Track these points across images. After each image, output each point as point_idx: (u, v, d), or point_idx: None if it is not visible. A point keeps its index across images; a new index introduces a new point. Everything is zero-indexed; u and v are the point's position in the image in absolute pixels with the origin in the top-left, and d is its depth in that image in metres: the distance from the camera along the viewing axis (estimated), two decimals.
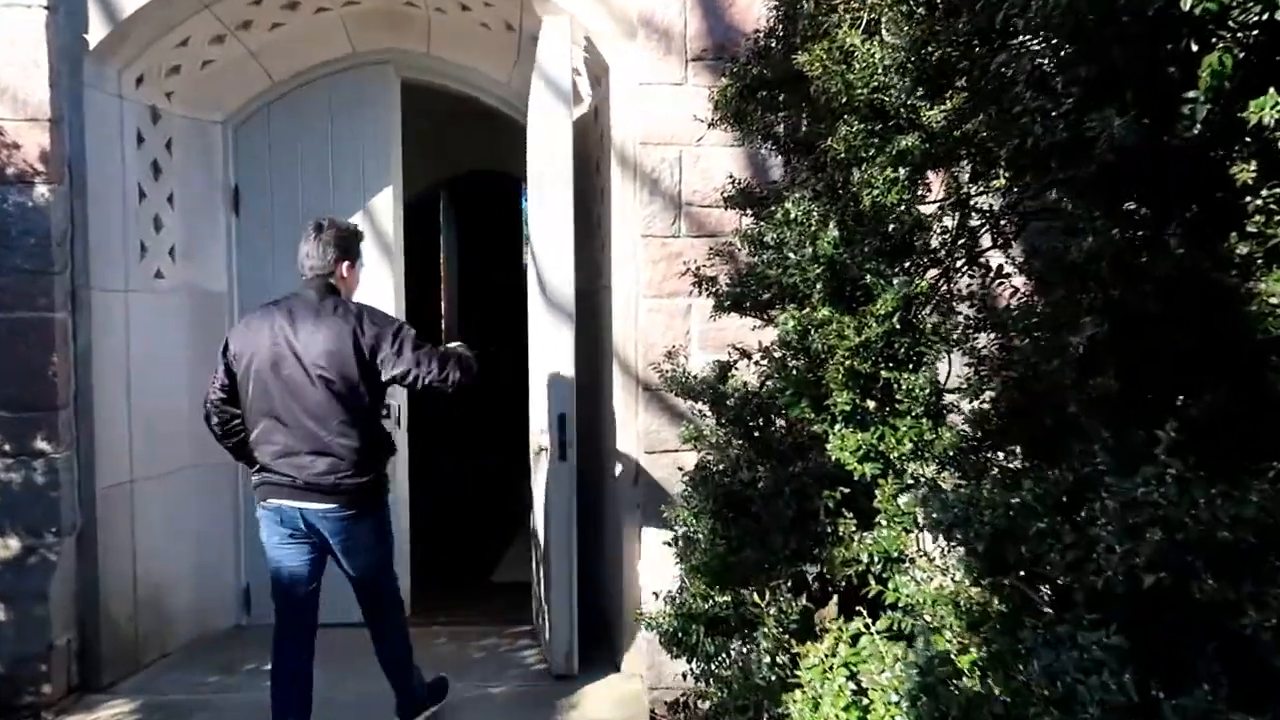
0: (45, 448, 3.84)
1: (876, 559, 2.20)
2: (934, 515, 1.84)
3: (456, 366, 3.16)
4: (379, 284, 4.57)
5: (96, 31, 3.93)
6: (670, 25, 3.85)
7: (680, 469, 3.19)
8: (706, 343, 3.85)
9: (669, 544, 2.84)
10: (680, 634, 2.52)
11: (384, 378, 3.16)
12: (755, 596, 2.43)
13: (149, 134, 4.34)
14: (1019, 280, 2.40)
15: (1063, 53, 1.79)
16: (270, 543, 3.27)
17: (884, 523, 2.20)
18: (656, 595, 2.69)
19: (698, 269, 2.84)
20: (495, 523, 6.82)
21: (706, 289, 2.77)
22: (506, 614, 4.87)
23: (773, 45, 2.80)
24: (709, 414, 2.86)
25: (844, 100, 2.27)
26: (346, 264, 3.28)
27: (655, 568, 3.71)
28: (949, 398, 2.37)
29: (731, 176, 3.06)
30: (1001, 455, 2.29)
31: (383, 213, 4.68)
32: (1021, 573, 1.81)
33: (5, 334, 3.81)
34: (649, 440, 3.89)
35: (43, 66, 3.81)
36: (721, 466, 2.58)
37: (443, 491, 6.79)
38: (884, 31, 2.26)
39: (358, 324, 3.13)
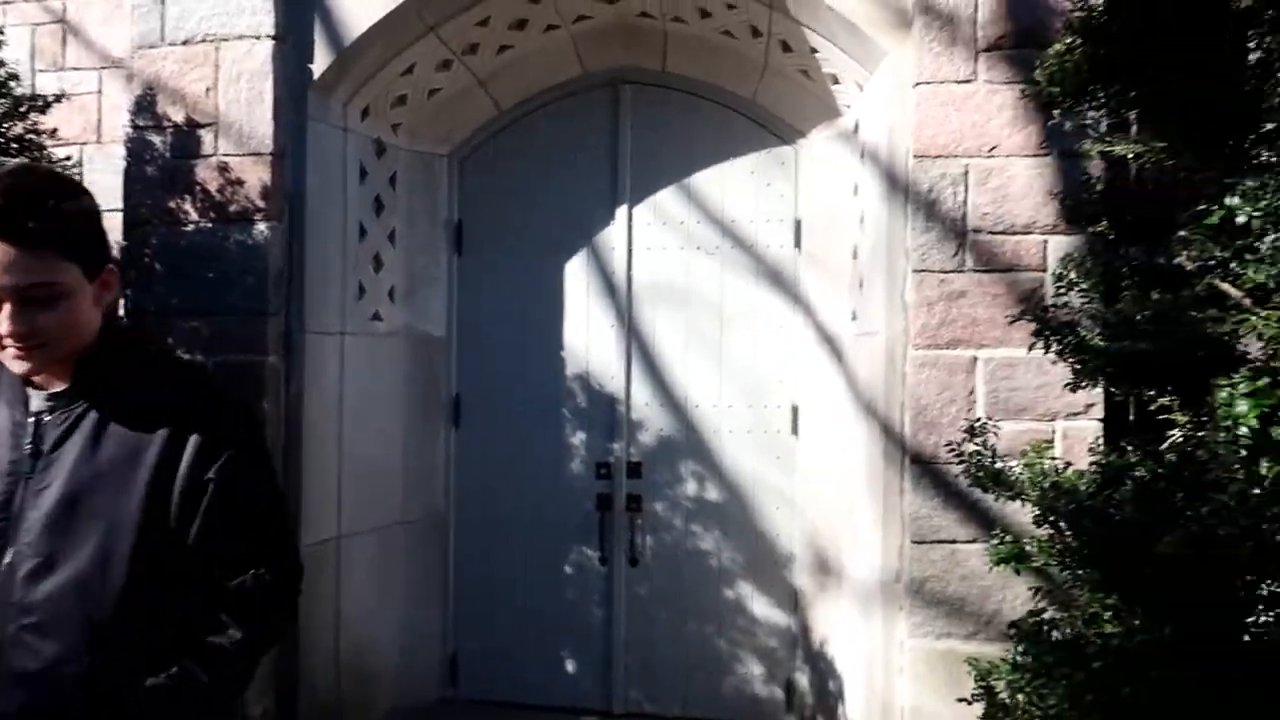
0: None
1: None
2: None
3: None
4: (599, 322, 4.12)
5: (321, 61, 3.72)
6: (955, 8, 3.10)
7: (958, 566, 2.55)
8: (997, 407, 3.03)
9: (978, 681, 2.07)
10: None
11: None
12: None
13: (373, 168, 4.11)
14: None
15: None
16: None
17: None
18: None
19: (1039, 308, 2.05)
20: None
21: (1060, 342, 1.95)
22: None
23: None
24: (1026, 509, 2.07)
25: None
26: None
27: (920, 689, 2.94)
28: None
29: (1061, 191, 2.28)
30: None
31: (611, 246, 4.22)
32: None
33: (221, 379, 3.64)
34: (917, 527, 3.09)
35: (267, 99, 3.64)
36: (1063, 615, 1.78)
37: None
38: None
39: None
